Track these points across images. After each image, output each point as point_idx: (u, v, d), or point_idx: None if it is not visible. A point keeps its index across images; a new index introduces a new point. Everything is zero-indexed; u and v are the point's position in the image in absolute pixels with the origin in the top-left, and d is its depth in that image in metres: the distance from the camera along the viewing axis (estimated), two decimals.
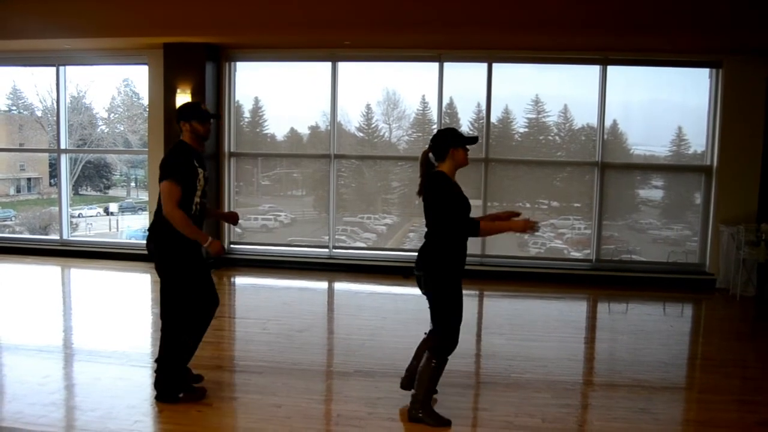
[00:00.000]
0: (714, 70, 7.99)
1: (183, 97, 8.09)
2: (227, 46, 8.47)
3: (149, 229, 4.10)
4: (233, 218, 4.61)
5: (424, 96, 8.58)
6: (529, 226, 3.80)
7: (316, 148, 8.88)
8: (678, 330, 6.50)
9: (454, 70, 8.38)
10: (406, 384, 4.22)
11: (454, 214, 3.74)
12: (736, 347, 5.86)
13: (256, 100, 8.92)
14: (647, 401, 4.30)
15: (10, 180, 10.92)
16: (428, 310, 3.90)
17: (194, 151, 4.05)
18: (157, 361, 4.10)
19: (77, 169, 10.11)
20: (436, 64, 8.31)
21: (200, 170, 4.02)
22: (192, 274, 4.03)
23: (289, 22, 7.45)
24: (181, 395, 4.09)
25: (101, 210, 11.12)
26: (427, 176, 3.88)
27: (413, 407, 3.89)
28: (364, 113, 8.84)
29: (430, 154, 3.89)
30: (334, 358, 5.25)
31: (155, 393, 4.10)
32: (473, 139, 3.93)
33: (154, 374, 4.15)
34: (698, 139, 8.21)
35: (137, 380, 4.53)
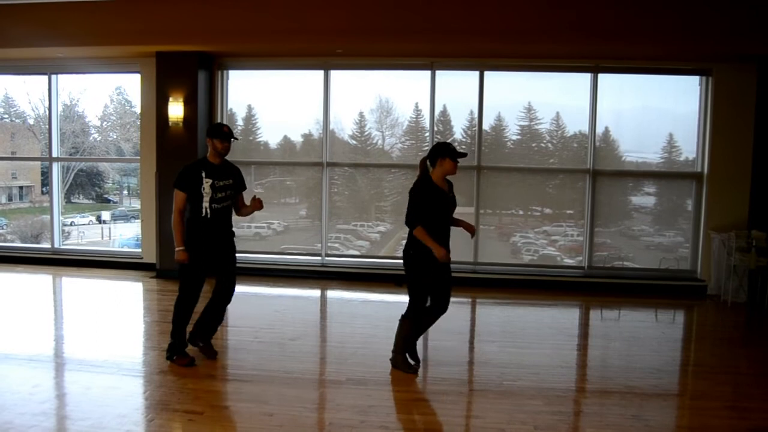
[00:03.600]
0: (704, 78, 8.05)
1: (175, 106, 8.09)
2: (219, 54, 8.49)
3: None
4: (258, 204, 5.17)
5: (417, 104, 8.61)
6: (443, 259, 4.62)
7: (310, 156, 8.89)
8: (670, 336, 6.51)
9: (447, 78, 8.42)
10: None
11: (410, 210, 4.68)
12: (727, 353, 5.88)
13: (249, 108, 8.94)
14: (639, 408, 4.31)
15: (2, 188, 10.87)
16: None
17: (208, 163, 4.92)
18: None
19: (69, 177, 10.08)
20: (428, 72, 8.35)
21: (208, 180, 4.84)
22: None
23: (281, 31, 7.48)
24: (174, 357, 4.95)
25: (93, 218, 11.07)
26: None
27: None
28: (357, 121, 8.85)
29: (427, 161, 4.80)
30: (326, 366, 5.24)
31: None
32: (462, 154, 4.75)
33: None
34: (689, 146, 8.27)
35: (128, 389, 4.51)
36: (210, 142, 4.93)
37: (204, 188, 4.84)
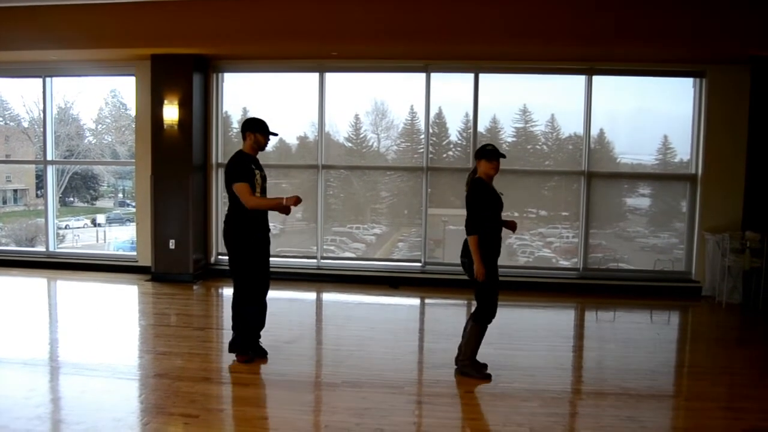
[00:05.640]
0: (697, 80, 8.08)
1: (170, 108, 8.08)
2: (215, 57, 8.48)
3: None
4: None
5: (412, 106, 8.61)
6: (480, 276, 4.61)
7: (305, 159, 8.89)
8: (665, 337, 6.53)
9: (442, 80, 8.43)
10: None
11: (471, 215, 4.67)
12: (722, 354, 5.90)
13: (244, 111, 8.92)
14: (634, 409, 4.32)
15: None
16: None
17: (249, 157, 5.07)
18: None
19: (64, 180, 10.06)
20: (423, 75, 8.35)
21: (257, 172, 5.01)
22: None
23: (277, 33, 7.48)
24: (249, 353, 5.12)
25: (88, 221, 11.04)
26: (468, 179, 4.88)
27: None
28: (353, 123, 8.86)
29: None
30: (321, 369, 5.23)
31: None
32: (499, 155, 4.74)
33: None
34: (683, 148, 8.30)
35: (123, 393, 4.51)
36: (251, 136, 5.06)
37: (257, 180, 5.01)
